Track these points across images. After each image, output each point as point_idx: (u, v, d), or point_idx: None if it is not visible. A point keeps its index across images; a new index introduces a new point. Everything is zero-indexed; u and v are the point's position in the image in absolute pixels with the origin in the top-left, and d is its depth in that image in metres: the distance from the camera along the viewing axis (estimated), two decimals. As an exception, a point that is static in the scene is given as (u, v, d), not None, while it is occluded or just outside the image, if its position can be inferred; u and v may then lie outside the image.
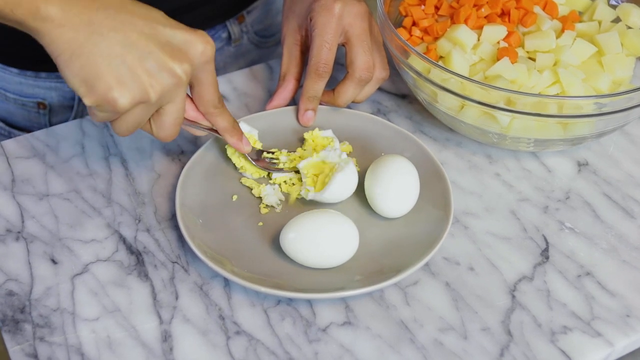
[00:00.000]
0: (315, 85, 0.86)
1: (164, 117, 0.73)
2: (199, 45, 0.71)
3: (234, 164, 0.84)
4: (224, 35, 1.10)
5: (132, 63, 0.68)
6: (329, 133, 0.86)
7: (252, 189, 0.83)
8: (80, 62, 0.67)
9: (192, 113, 0.78)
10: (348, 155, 0.86)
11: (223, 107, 0.78)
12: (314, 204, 0.82)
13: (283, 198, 0.82)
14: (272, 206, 0.81)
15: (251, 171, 0.84)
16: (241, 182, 0.83)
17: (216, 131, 0.80)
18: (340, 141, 0.87)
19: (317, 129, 0.86)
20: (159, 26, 0.70)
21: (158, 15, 0.71)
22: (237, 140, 0.81)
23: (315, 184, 0.81)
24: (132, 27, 0.68)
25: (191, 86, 0.75)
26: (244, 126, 0.84)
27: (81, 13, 0.67)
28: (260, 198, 0.82)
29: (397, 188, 0.78)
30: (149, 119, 0.74)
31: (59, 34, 0.67)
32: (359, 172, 0.83)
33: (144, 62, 0.68)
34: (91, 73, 0.67)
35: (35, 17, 0.66)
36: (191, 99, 0.78)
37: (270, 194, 0.81)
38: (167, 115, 0.73)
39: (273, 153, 0.85)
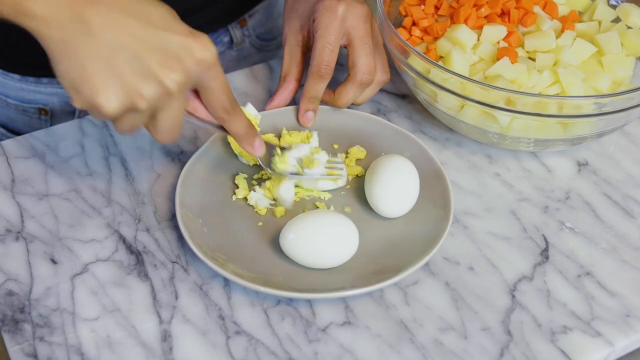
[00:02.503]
0: (317, 86, 0.86)
1: (159, 123, 0.69)
2: (196, 51, 0.66)
3: (234, 153, 0.85)
4: (226, 39, 1.10)
5: (120, 67, 0.64)
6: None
7: (244, 195, 0.82)
8: (69, 63, 0.64)
9: (204, 114, 0.75)
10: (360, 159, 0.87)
11: (235, 112, 0.73)
12: (314, 205, 0.82)
13: (273, 201, 0.82)
14: (269, 207, 0.81)
15: (248, 158, 0.84)
16: (235, 184, 0.83)
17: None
18: (343, 142, 0.88)
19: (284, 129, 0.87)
20: (154, 28, 0.65)
21: (154, 12, 0.66)
22: (250, 146, 0.77)
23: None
24: (124, 27, 0.64)
25: (197, 92, 0.72)
26: (250, 108, 0.84)
27: (69, 9, 0.63)
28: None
29: (397, 188, 0.78)
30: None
31: (47, 32, 0.63)
32: (360, 174, 0.84)
33: (133, 67, 0.64)
34: (79, 75, 0.64)
35: (19, 14, 0.63)
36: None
37: (261, 199, 0.81)
38: (162, 122, 0.69)
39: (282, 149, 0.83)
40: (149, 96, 0.65)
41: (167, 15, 0.67)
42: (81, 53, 0.64)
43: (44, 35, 0.64)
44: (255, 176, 0.84)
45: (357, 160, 0.86)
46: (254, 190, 0.81)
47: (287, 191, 0.81)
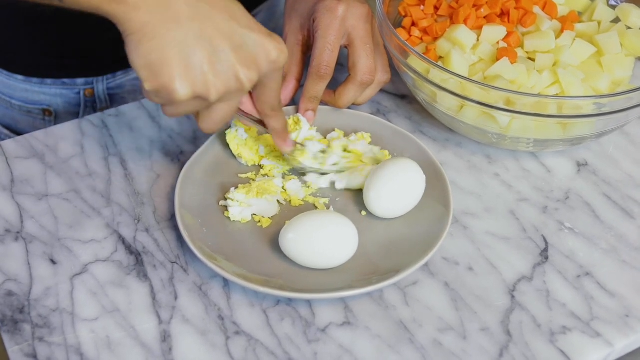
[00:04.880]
0: (317, 87, 0.86)
1: (214, 114, 0.72)
2: (272, 52, 0.70)
3: (233, 154, 0.85)
4: None
5: (202, 58, 0.67)
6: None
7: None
8: (150, 46, 0.66)
9: (248, 107, 0.78)
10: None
11: (281, 109, 0.78)
12: (313, 205, 0.82)
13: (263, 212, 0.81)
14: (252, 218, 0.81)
15: (247, 159, 0.84)
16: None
17: (263, 125, 0.80)
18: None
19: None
20: (237, 25, 0.68)
21: (237, 10, 0.69)
22: (282, 142, 0.81)
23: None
24: (211, 21, 0.67)
25: (255, 86, 0.74)
26: None
27: None
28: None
29: (390, 191, 0.78)
30: None
31: (134, 15, 0.66)
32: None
33: (214, 59, 0.67)
34: (158, 59, 0.66)
35: (111, 1, 0.65)
36: (250, 94, 0.78)
37: (242, 211, 0.79)
38: (217, 113, 0.72)
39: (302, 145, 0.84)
40: (222, 89, 0.68)
41: (248, 14, 0.70)
42: (166, 38, 0.66)
43: (130, 18, 0.66)
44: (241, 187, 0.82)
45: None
46: (230, 205, 0.79)
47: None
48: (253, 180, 0.83)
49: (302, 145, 0.84)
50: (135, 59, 0.67)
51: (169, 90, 0.67)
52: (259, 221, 0.80)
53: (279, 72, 0.73)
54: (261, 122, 0.80)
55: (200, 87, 0.68)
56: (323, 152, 0.84)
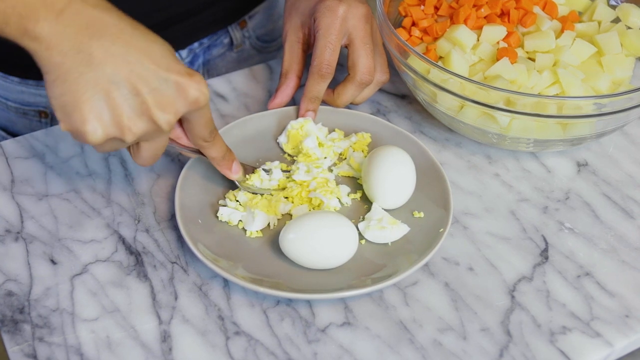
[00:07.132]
0: (318, 86, 0.86)
1: (142, 152, 0.72)
2: (190, 93, 0.67)
3: None
4: (226, 40, 1.10)
5: (114, 101, 0.65)
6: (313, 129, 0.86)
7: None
8: (63, 88, 0.65)
9: (186, 141, 0.77)
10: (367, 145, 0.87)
11: (214, 139, 0.75)
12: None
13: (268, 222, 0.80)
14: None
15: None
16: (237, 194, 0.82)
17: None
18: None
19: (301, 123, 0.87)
20: (153, 66, 0.66)
21: (157, 51, 0.67)
22: (226, 170, 0.79)
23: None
24: (125, 63, 0.65)
25: (182, 121, 0.73)
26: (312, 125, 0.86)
27: (73, 38, 0.64)
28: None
29: (394, 179, 0.79)
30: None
31: (48, 55, 0.65)
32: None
33: (128, 102, 0.66)
34: (70, 101, 0.65)
35: (24, 36, 0.65)
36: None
37: (232, 213, 0.79)
38: (145, 151, 0.71)
39: (267, 172, 0.83)
40: (138, 132, 0.67)
41: (168, 54, 0.68)
42: (78, 81, 0.65)
43: (44, 57, 0.65)
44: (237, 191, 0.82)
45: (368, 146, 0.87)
46: (225, 205, 0.80)
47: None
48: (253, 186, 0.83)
49: (251, 172, 0.82)
50: (50, 98, 0.66)
51: (82, 133, 0.66)
52: None
53: (203, 110, 0.70)
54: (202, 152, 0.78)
55: (113, 130, 0.66)
56: (267, 171, 0.83)
